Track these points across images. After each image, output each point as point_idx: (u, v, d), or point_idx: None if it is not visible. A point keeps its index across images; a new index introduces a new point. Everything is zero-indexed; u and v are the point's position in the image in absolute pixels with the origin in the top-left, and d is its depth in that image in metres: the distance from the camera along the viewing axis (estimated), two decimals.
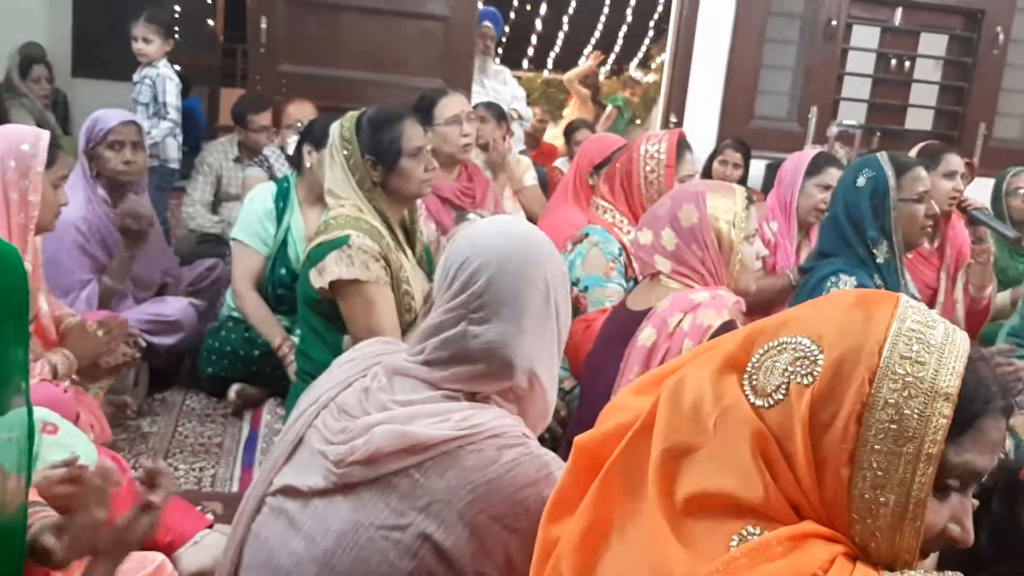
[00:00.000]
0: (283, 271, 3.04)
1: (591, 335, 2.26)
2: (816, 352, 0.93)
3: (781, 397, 0.93)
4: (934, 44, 5.51)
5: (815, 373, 0.92)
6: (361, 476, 1.24)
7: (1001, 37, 5.25)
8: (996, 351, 2.03)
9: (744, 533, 0.91)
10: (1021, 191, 3.94)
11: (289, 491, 1.31)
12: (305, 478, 1.30)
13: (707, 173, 4.53)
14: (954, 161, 3.31)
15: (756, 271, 2.11)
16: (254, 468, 2.62)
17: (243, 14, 4.90)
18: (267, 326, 3.00)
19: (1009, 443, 2.51)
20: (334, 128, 2.43)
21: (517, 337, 1.29)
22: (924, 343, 0.92)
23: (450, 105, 3.21)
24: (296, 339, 2.81)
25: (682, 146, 2.85)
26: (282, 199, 3.09)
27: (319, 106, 3.95)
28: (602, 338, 2.19)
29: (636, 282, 2.23)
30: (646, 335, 1.92)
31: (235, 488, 2.55)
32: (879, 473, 0.90)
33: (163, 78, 4.22)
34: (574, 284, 2.69)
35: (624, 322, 2.07)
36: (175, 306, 3.15)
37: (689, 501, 0.94)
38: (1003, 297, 3.71)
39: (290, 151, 3.71)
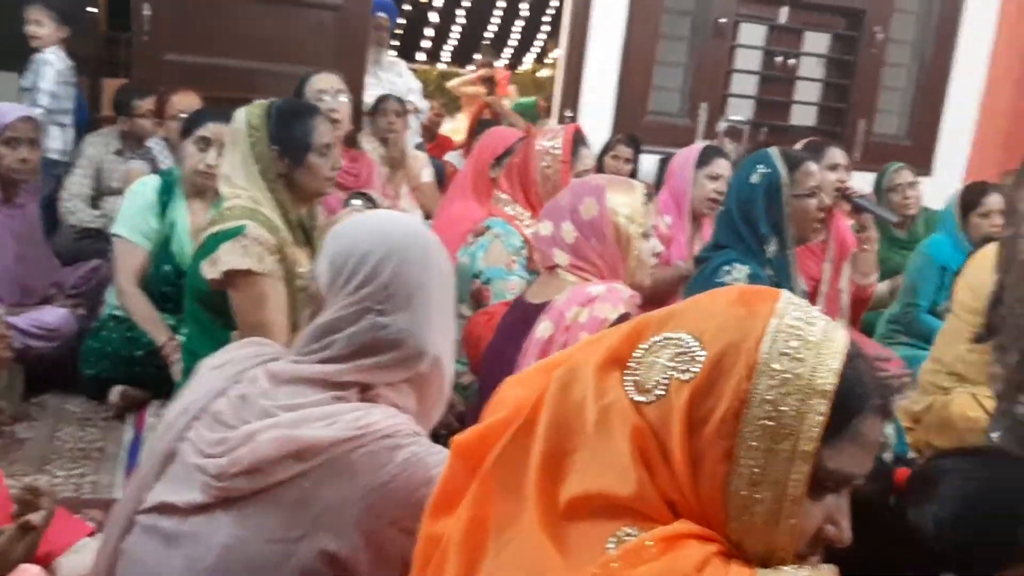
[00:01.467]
0: (168, 267, 2.93)
1: (492, 327, 2.24)
2: (697, 348, 0.92)
3: (662, 393, 0.92)
4: (818, 43, 5.69)
5: (694, 369, 0.91)
6: (245, 488, 1.18)
7: (880, 36, 5.47)
8: (875, 357, 2.09)
9: (620, 535, 0.89)
10: (900, 187, 4.13)
11: (164, 508, 1.24)
12: (182, 494, 1.22)
13: (599, 168, 4.58)
14: (837, 154, 3.44)
15: (652, 266, 2.14)
16: None
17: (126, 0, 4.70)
18: (151, 324, 2.88)
19: (888, 429, 2.61)
20: (241, 114, 2.35)
21: (425, 324, 1.29)
22: (803, 340, 0.91)
23: (318, 81, 3.23)
24: (182, 337, 2.71)
25: (577, 141, 2.87)
26: (167, 192, 2.97)
27: (206, 97, 3.81)
28: (501, 331, 2.18)
29: (539, 275, 2.23)
30: (543, 328, 1.93)
31: (117, 494, 2.43)
32: (755, 470, 0.89)
33: (41, 62, 4.06)
34: (476, 276, 2.67)
35: (523, 315, 2.06)
36: (54, 314, 3.04)
37: (570, 503, 0.92)
38: (882, 287, 3.87)
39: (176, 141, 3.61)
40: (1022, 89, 5.51)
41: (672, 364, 0.92)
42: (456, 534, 0.97)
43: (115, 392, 2.91)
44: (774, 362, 0.90)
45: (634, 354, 0.95)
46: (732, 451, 0.89)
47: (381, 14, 5.31)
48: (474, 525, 0.96)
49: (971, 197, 3.62)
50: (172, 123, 3.72)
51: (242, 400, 1.26)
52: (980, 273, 2.92)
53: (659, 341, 0.94)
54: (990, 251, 2.93)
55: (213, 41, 4.51)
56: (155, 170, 3.57)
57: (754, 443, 0.89)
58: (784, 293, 0.97)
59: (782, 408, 0.88)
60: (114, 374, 2.93)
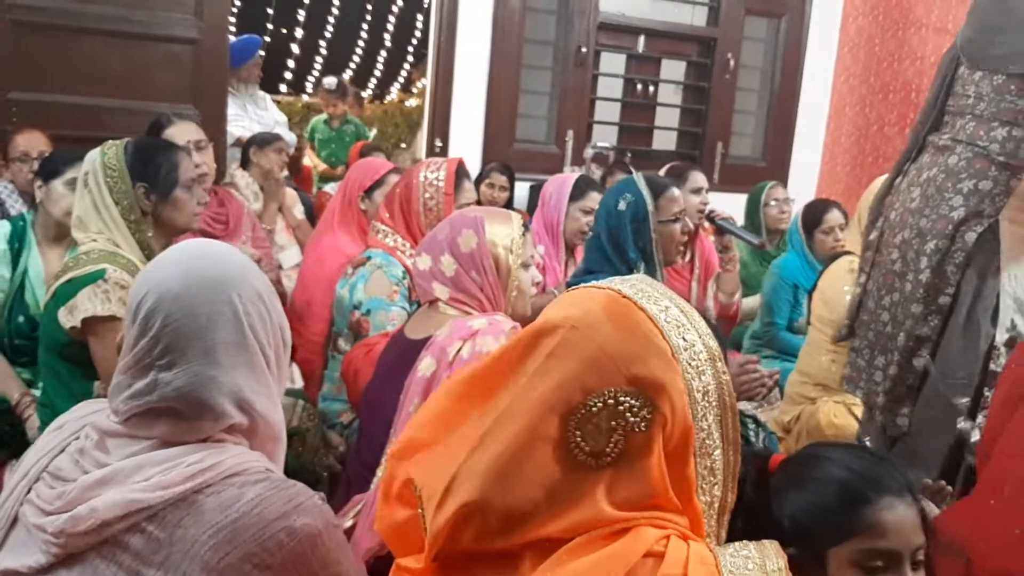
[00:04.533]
0: (20, 319, 2.74)
1: (372, 359, 2.21)
2: (631, 400, 0.97)
3: (619, 451, 0.97)
4: (674, 70, 5.91)
5: (645, 418, 0.97)
6: (87, 543, 1.12)
7: (732, 63, 5.72)
8: (744, 361, 2.19)
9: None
10: (775, 202, 4.31)
11: None
12: (24, 559, 1.15)
13: (476, 198, 4.60)
14: (699, 178, 3.56)
15: (532, 296, 2.15)
16: None
17: None
18: (4, 380, 2.68)
19: (765, 439, 2.70)
20: (94, 156, 2.26)
21: (214, 375, 1.17)
22: (683, 325, 1.04)
23: (176, 136, 3.03)
24: (38, 392, 2.55)
25: (461, 174, 2.88)
26: (17, 239, 2.80)
27: (54, 136, 3.62)
28: (380, 369, 2.15)
29: (419, 306, 2.21)
30: (426, 365, 1.90)
31: None
32: (708, 442, 1.01)
33: None
34: (356, 308, 2.63)
35: (403, 351, 2.04)
36: None
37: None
38: (752, 301, 4.03)
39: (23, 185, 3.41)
40: (864, 108, 5.86)
41: (616, 423, 0.97)
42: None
43: None
44: (680, 352, 1.01)
45: (568, 431, 0.97)
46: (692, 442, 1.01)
47: (261, 52, 5.47)
48: None
49: (812, 215, 3.81)
50: (18, 164, 3.51)
51: (80, 453, 1.19)
52: (833, 286, 3.08)
53: (590, 409, 0.97)
54: (841, 265, 3.11)
55: (60, 78, 4.29)
56: (3, 216, 3.36)
57: (702, 423, 1.02)
58: (632, 295, 1.05)
59: (706, 382, 1.02)
60: None
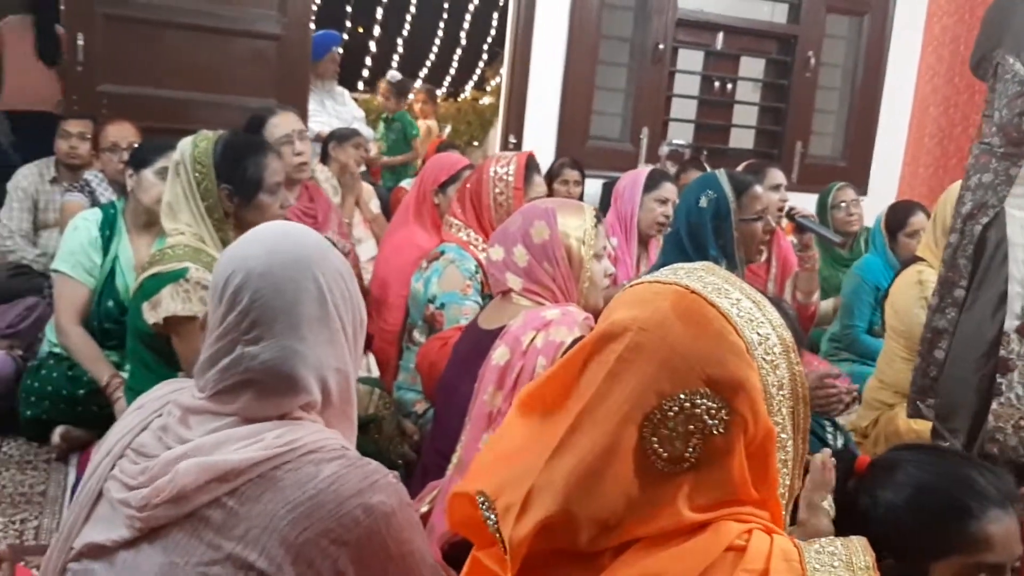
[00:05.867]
0: (111, 304, 2.84)
1: (447, 353, 2.23)
2: (709, 402, 0.94)
3: (696, 457, 0.94)
4: (753, 67, 5.83)
5: (723, 420, 0.94)
6: (169, 516, 1.14)
7: (812, 61, 5.62)
8: (823, 374, 2.18)
9: None
10: (844, 204, 4.22)
11: (93, 550, 1.19)
12: (108, 533, 1.18)
13: (549, 194, 4.60)
14: (777, 175, 3.51)
15: (604, 288, 2.14)
16: None
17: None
18: (94, 363, 2.80)
19: (840, 441, 2.65)
20: (186, 146, 2.29)
21: (299, 349, 1.19)
22: (756, 318, 1.00)
23: (281, 124, 3.11)
24: (126, 375, 2.64)
25: (531, 168, 2.88)
26: (108, 227, 2.90)
27: (142, 128, 3.74)
28: (455, 358, 2.17)
29: (492, 299, 2.23)
30: (500, 354, 1.91)
31: None
32: (782, 436, 0.99)
33: None
34: (430, 301, 2.65)
35: (476, 341, 2.05)
36: None
37: None
38: (826, 304, 3.95)
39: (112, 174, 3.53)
40: (948, 109, 5.70)
41: (694, 427, 0.93)
42: None
43: (57, 433, 2.81)
44: (755, 347, 0.98)
45: (644, 437, 0.94)
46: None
47: (337, 48, 5.57)
48: None
49: (896, 218, 3.72)
50: (108, 154, 3.64)
51: (163, 430, 1.22)
52: (903, 296, 3.01)
53: (665, 413, 0.94)
54: (909, 276, 3.04)
55: (149, 71, 4.44)
56: (94, 203, 3.48)
57: (777, 416, 0.99)
58: (712, 298, 1.01)
59: (781, 376, 0.99)
60: (55, 414, 2.83)
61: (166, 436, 1.21)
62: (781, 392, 0.99)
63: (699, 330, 0.95)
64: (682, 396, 0.93)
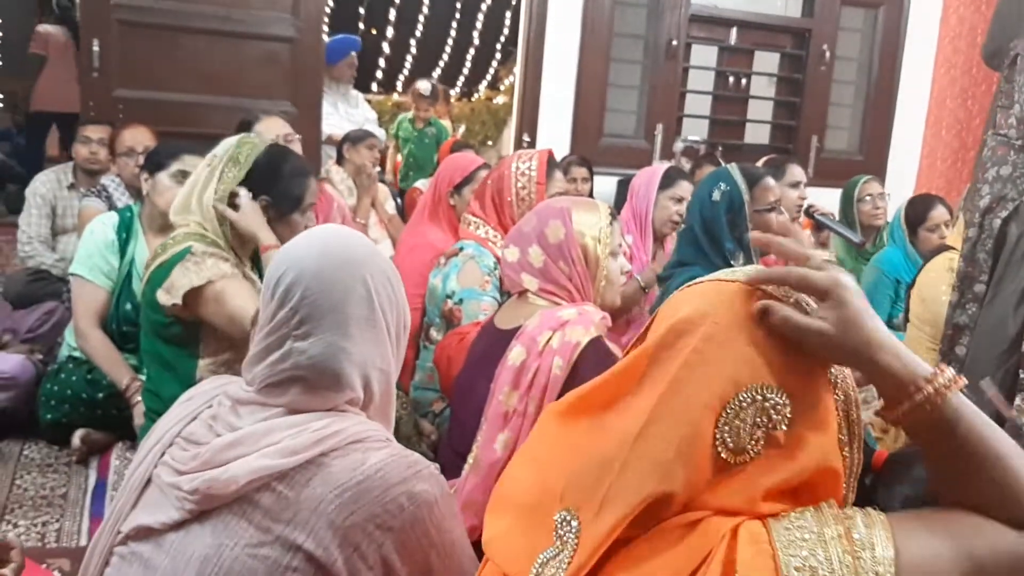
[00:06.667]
0: (128, 307, 2.87)
1: (465, 347, 2.23)
2: (777, 398, 0.93)
3: (758, 451, 0.93)
4: (767, 62, 5.79)
5: (786, 417, 0.93)
6: (219, 500, 1.18)
7: (827, 54, 5.58)
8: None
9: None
10: (869, 198, 4.18)
11: (140, 532, 1.23)
12: (157, 515, 1.22)
13: None
14: (797, 172, 3.49)
15: (620, 285, 2.14)
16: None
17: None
18: (113, 365, 2.82)
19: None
20: (229, 145, 2.29)
21: (345, 346, 1.24)
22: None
23: (266, 130, 3.12)
24: (144, 378, 2.65)
25: (551, 165, 2.89)
26: (125, 230, 2.92)
27: (158, 132, 3.76)
28: (471, 358, 2.16)
29: (508, 298, 2.22)
30: (516, 354, 1.91)
31: (83, 542, 2.36)
32: (840, 437, 0.96)
33: None
34: (448, 297, 2.66)
35: (492, 341, 2.05)
36: (10, 362, 2.95)
37: None
38: None
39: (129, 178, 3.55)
40: (967, 101, 5.65)
41: (760, 421, 0.93)
42: None
43: (77, 436, 2.84)
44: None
45: (716, 427, 0.93)
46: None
47: (354, 53, 5.61)
48: None
49: (917, 212, 3.68)
50: (124, 159, 3.66)
51: (213, 419, 1.27)
52: (932, 284, 2.98)
53: (740, 404, 0.93)
54: (940, 263, 3.01)
55: (164, 76, 4.47)
56: (111, 207, 3.51)
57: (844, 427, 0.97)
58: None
59: (848, 389, 0.97)
60: (75, 418, 2.86)
61: (216, 424, 1.25)
62: (836, 391, 0.98)
63: (770, 328, 0.95)
64: (755, 388, 0.93)
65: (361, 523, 1.15)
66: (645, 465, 0.93)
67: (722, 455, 0.93)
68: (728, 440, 0.93)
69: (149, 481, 1.27)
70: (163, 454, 1.27)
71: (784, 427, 0.93)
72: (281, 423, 1.22)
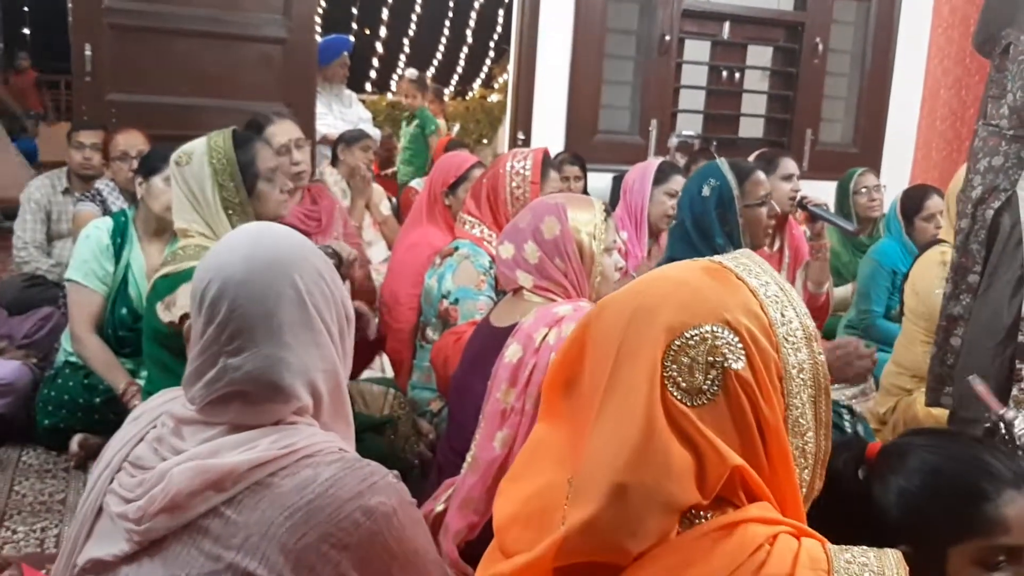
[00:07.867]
0: (124, 311, 2.86)
1: (461, 347, 2.22)
2: (729, 335, 0.94)
3: (716, 389, 0.93)
4: (761, 56, 5.79)
5: (740, 355, 0.94)
6: (167, 527, 1.13)
7: (820, 47, 5.58)
8: (833, 346, 2.15)
9: (691, 515, 0.94)
10: (865, 190, 4.19)
11: (95, 567, 1.18)
12: (109, 548, 1.17)
13: None
14: (790, 164, 3.48)
15: (615, 281, 2.13)
16: None
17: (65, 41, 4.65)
18: (110, 370, 2.81)
19: (860, 429, 2.63)
20: (196, 145, 2.29)
21: (283, 356, 1.17)
22: (782, 302, 1.00)
23: (279, 133, 3.12)
24: (142, 381, 2.64)
25: (546, 164, 2.89)
26: (119, 235, 2.91)
27: (152, 135, 3.76)
28: (467, 356, 2.16)
29: (504, 296, 2.22)
30: (512, 351, 1.90)
31: None
32: (801, 421, 0.98)
33: None
34: (444, 297, 2.66)
35: (488, 339, 2.04)
36: (7, 368, 2.95)
37: None
38: (844, 291, 3.92)
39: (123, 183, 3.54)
40: (960, 91, 5.64)
41: (712, 359, 0.93)
42: None
43: (75, 441, 2.84)
44: (778, 326, 0.98)
45: (665, 363, 0.94)
46: (786, 413, 0.97)
47: (347, 53, 5.61)
48: None
49: (912, 202, 3.70)
50: (118, 163, 3.65)
51: (158, 441, 1.21)
52: (924, 278, 2.98)
53: (685, 341, 0.94)
54: (932, 256, 3.01)
55: (157, 79, 4.46)
56: (105, 212, 3.50)
57: (796, 401, 0.98)
58: (729, 262, 1.04)
59: (801, 359, 0.98)
60: (72, 423, 2.86)
61: (161, 447, 1.19)
62: (801, 375, 0.98)
63: (727, 288, 0.98)
64: (704, 328, 0.94)
65: (315, 544, 1.10)
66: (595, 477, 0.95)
67: (675, 396, 0.93)
68: (680, 379, 0.94)
69: (101, 509, 1.22)
70: (112, 480, 1.22)
71: (740, 366, 0.94)
72: (227, 442, 1.16)
